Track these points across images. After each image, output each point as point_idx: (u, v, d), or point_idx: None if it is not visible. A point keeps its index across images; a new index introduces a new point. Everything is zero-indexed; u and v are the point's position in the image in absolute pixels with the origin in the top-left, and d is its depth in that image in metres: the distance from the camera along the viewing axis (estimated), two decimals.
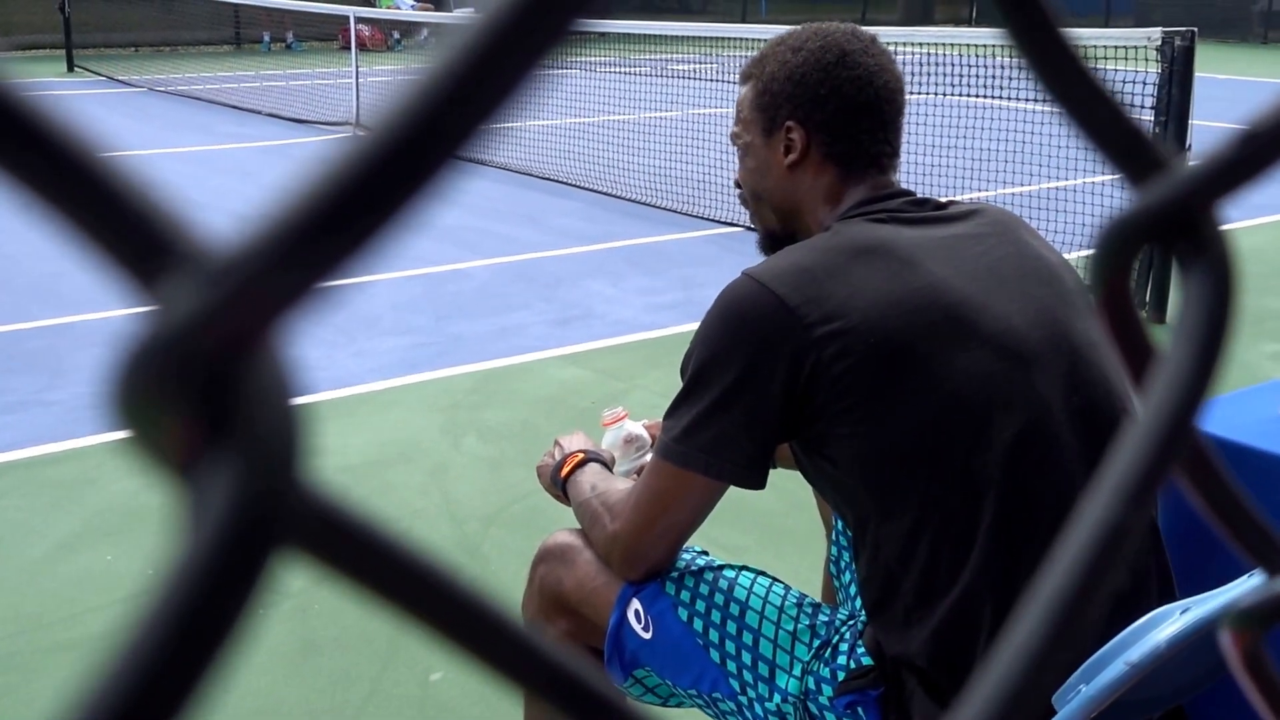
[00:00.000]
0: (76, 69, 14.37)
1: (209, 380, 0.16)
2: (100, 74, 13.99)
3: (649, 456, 1.99)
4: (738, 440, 1.51)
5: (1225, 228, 0.27)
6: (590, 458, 1.85)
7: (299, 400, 0.17)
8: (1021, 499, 1.45)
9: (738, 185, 1.79)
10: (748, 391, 1.49)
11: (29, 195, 0.15)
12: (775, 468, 1.91)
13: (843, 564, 1.82)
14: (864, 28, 1.74)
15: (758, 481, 1.55)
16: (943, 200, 1.69)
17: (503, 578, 2.92)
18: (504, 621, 0.20)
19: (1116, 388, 1.55)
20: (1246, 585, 1.30)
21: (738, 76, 1.77)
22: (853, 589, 1.73)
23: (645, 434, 1.99)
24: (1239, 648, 0.39)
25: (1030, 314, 1.52)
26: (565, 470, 1.83)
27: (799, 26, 1.73)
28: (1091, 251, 0.29)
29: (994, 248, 1.58)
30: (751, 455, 1.52)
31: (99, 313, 5.12)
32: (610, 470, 1.87)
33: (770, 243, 1.76)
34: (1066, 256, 1.70)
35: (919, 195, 1.68)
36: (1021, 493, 1.45)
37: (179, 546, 0.16)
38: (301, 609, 2.80)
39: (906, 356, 1.45)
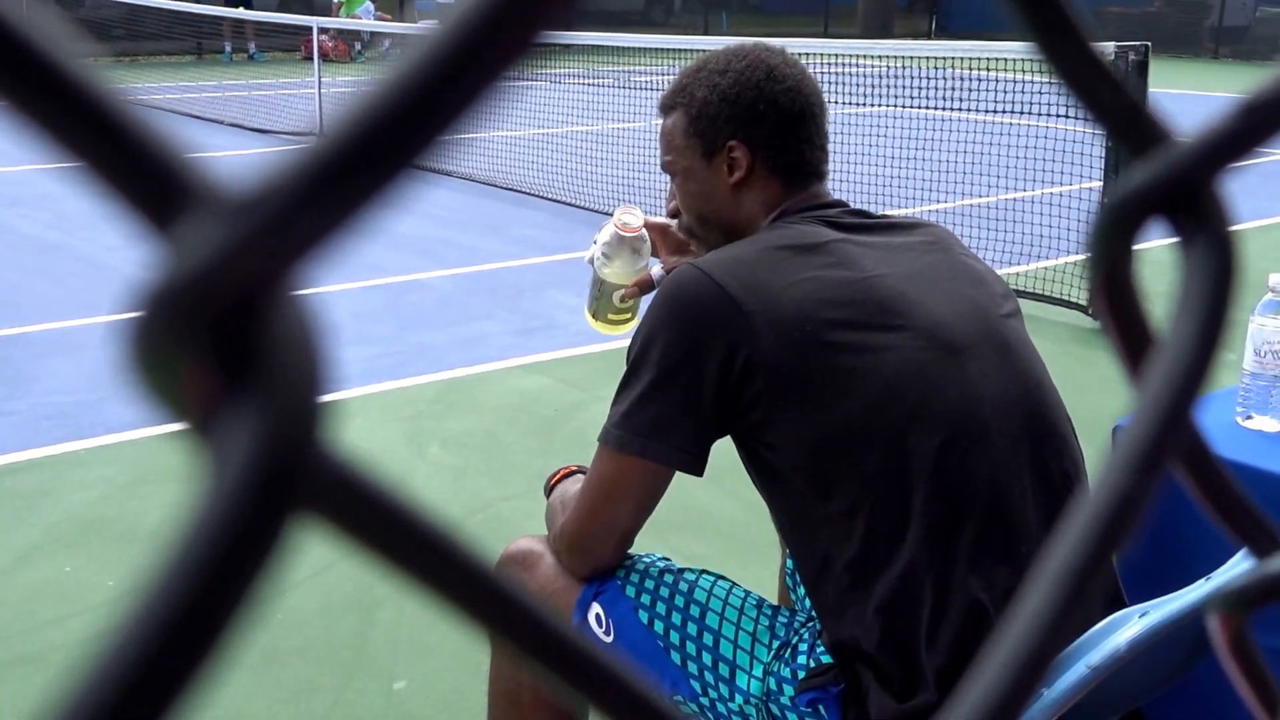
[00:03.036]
0: None
1: (227, 326, 0.15)
2: None
3: (655, 268, 2.01)
4: (675, 423, 1.53)
5: (1227, 201, 0.27)
6: (578, 470, 1.86)
7: (321, 350, 0.16)
8: (956, 481, 1.49)
9: (674, 215, 1.83)
10: (685, 375, 1.52)
11: (42, 133, 0.15)
12: None
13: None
14: (772, 44, 1.79)
15: (695, 466, 1.57)
16: (879, 213, 1.75)
17: None
18: (520, 596, 0.20)
19: (1044, 380, 1.61)
20: (1204, 589, 1.32)
21: (658, 107, 1.80)
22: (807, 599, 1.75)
23: (645, 234, 2.01)
24: (1226, 632, 0.39)
25: (962, 309, 1.58)
26: (554, 480, 1.86)
27: (712, 52, 1.77)
28: (1090, 230, 0.29)
29: (926, 253, 1.65)
30: (690, 439, 1.54)
31: (57, 323, 5.06)
32: None
33: None
34: (1025, 266, 1.76)
35: (855, 208, 1.74)
36: (956, 475, 1.49)
37: (196, 501, 0.16)
38: (263, 618, 2.77)
39: (841, 345, 1.50)
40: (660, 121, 1.79)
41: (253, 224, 0.15)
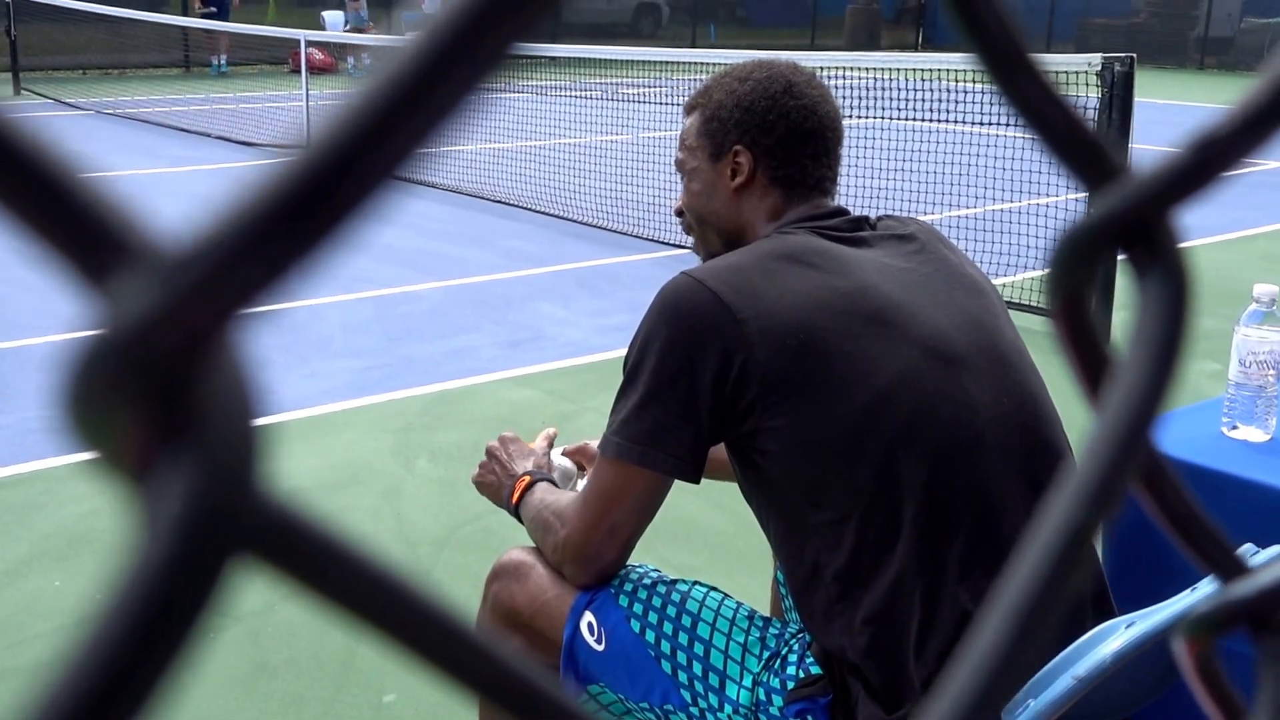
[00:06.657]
0: (23, 91, 14.18)
1: (163, 381, 0.15)
2: (47, 96, 13.81)
3: (581, 484, 1.99)
4: (672, 431, 1.55)
5: (1181, 235, 0.27)
6: (536, 479, 1.86)
7: (257, 402, 0.16)
8: (947, 493, 1.50)
9: (679, 214, 1.86)
10: (682, 383, 1.54)
11: None
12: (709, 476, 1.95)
13: None
14: (803, 65, 1.83)
15: (693, 474, 1.58)
16: (875, 217, 1.77)
17: (456, 600, 2.89)
18: (463, 630, 0.20)
19: (1039, 393, 1.63)
20: (1189, 599, 1.32)
21: (683, 108, 1.85)
22: None
23: (569, 463, 2.01)
24: (1192, 655, 0.39)
25: (958, 321, 1.59)
26: (515, 496, 1.85)
27: (743, 60, 1.82)
28: (1049, 259, 0.29)
29: (923, 262, 1.67)
30: (686, 447, 1.56)
31: (45, 336, 5.05)
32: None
33: None
34: (1013, 278, 1.78)
35: (854, 214, 1.75)
36: (947, 487, 1.50)
37: (132, 554, 0.16)
38: (253, 632, 2.77)
39: (835, 354, 1.52)
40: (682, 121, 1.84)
41: (188, 280, 0.15)
